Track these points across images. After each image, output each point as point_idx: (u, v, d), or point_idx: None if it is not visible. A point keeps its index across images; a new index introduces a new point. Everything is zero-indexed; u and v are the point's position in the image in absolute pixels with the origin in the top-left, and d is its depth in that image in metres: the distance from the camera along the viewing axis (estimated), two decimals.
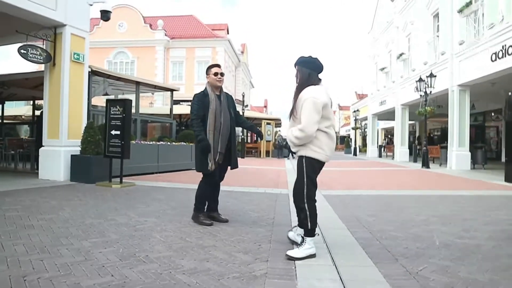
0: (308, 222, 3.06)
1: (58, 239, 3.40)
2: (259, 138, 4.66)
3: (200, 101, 4.17)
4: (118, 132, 7.30)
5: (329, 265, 2.87)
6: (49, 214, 4.47)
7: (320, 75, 3.28)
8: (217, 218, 4.32)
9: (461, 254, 3.20)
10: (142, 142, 10.01)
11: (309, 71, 3.22)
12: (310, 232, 3.08)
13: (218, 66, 4.38)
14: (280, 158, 22.64)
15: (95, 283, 2.39)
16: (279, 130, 37.29)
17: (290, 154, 3.41)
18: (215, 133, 4.11)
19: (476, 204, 5.96)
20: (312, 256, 3.03)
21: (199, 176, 4.33)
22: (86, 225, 3.95)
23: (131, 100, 7.77)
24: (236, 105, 4.74)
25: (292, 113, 3.20)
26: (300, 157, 3.16)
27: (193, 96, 4.32)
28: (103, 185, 7.21)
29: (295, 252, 3.02)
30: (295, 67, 3.33)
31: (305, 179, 3.12)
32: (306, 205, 3.08)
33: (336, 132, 3.91)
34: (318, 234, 3.34)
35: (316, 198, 3.16)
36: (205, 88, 4.29)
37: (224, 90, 4.54)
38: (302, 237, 3.13)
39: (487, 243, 3.56)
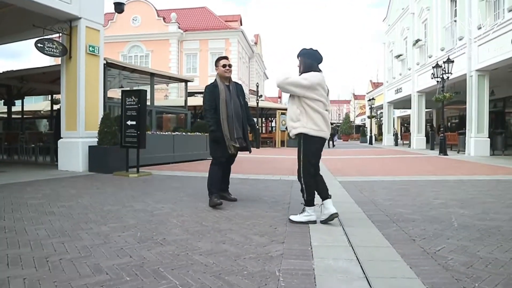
0: (303, 194, 3.56)
1: (78, 224, 3.47)
2: (254, 142, 5.13)
3: (211, 92, 4.50)
4: (134, 122, 7.37)
5: (345, 245, 2.85)
6: (68, 202, 4.56)
7: (320, 66, 3.65)
8: (227, 197, 4.68)
9: (480, 235, 3.14)
10: (157, 132, 10.09)
11: (310, 61, 3.59)
12: (307, 202, 3.56)
13: (226, 58, 4.69)
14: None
15: (114, 263, 2.43)
16: None
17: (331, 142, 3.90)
18: (229, 120, 4.40)
19: (496, 188, 5.83)
20: (312, 222, 3.49)
21: None
22: (104, 211, 4.02)
23: (146, 91, 7.82)
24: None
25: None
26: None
27: (205, 87, 4.61)
28: (120, 175, 7.32)
29: (295, 217, 3.58)
30: (297, 58, 3.69)
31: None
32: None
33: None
34: (317, 205, 3.59)
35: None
36: (215, 79, 4.60)
37: (238, 81, 4.71)
38: (304, 206, 3.60)
39: (508, 224, 3.48)
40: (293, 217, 3.58)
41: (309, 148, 3.50)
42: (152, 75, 10.97)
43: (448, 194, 5.29)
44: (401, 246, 2.82)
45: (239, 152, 4.66)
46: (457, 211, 4.11)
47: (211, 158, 4.62)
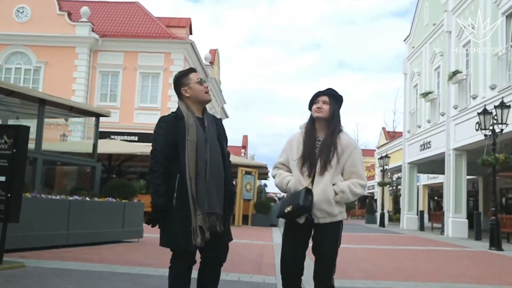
0: None
1: None
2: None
3: (170, 128, 3.76)
4: (3, 179, 7.08)
5: None
6: None
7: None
8: None
9: None
10: (43, 196, 9.74)
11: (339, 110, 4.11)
12: None
13: (194, 70, 4.11)
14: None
15: None
16: (264, 184, 37.05)
17: None
18: (198, 181, 3.65)
19: None
20: None
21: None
22: None
23: (28, 128, 7.61)
24: None
25: (330, 161, 3.80)
26: (338, 222, 4.01)
27: (158, 120, 3.91)
28: None
29: None
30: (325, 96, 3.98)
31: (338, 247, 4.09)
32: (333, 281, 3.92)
33: None
34: None
35: None
36: (177, 108, 3.91)
37: None
38: None
39: None
40: None
41: None
42: (43, 102, 10.78)
43: None
44: None
45: None
46: None
47: (160, 244, 3.71)
